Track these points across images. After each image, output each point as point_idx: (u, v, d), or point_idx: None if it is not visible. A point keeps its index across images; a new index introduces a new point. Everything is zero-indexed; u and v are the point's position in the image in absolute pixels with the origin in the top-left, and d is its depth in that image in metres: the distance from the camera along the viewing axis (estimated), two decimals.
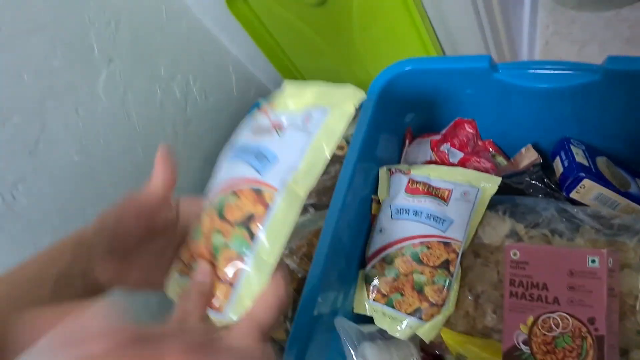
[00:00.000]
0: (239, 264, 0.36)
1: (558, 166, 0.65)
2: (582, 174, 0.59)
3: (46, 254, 0.39)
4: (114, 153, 0.92)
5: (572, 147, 0.64)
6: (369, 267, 0.66)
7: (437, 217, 0.64)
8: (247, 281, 0.36)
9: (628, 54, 0.75)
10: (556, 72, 0.59)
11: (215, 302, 0.37)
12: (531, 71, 0.60)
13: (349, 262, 0.67)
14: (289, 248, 1.02)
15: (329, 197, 0.63)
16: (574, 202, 0.62)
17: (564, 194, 0.62)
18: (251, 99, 1.27)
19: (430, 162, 0.73)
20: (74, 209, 0.86)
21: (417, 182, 0.68)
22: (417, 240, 0.63)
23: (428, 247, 0.62)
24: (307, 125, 0.41)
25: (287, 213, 0.36)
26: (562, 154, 0.64)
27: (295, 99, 0.44)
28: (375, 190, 0.72)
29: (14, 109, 0.73)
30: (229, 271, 0.37)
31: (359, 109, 0.67)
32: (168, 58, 1.00)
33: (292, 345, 0.55)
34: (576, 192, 0.61)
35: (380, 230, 0.67)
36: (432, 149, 0.73)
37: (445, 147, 0.72)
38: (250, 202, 0.38)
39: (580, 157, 0.62)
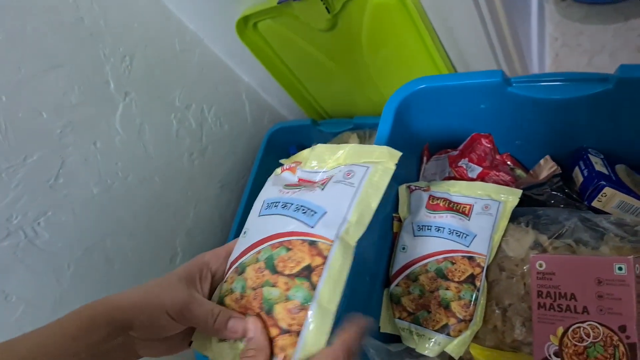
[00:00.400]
0: (303, 314, 0.38)
1: (578, 176, 0.65)
2: (603, 182, 0.59)
3: (76, 328, 0.38)
4: (132, 184, 0.94)
5: (590, 156, 0.64)
6: (393, 285, 0.66)
7: (460, 232, 0.64)
8: (314, 329, 0.37)
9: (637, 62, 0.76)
10: (569, 83, 0.60)
11: (279, 351, 0.38)
12: (544, 83, 0.61)
13: (374, 281, 0.67)
14: None
15: None
16: (596, 211, 0.62)
17: (586, 203, 0.62)
18: (265, 125, 1.29)
19: (449, 178, 0.74)
20: (94, 240, 0.87)
21: (437, 198, 0.68)
22: (441, 257, 0.63)
23: (452, 263, 0.62)
24: (350, 180, 0.45)
25: (342, 263, 0.40)
26: (581, 163, 0.64)
27: (329, 158, 0.49)
28: (395, 209, 0.72)
29: (34, 145, 0.75)
30: (293, 321, 0.38)
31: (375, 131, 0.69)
32: (182, 88, 1.02)
33: None
34: (598, 200, 0.61)
35: (403, 248, 0.67)
36: (451, 165, 0.74)
37: (463, 162, 0.73)
38: (306, 254, 0.40)
39: (599, 165, 0.62)
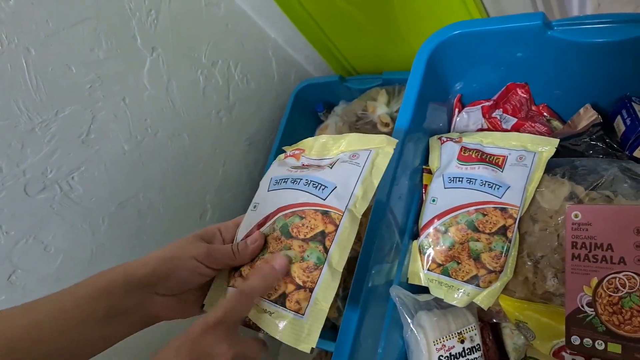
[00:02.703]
0: (317, 273, 0.45)
1: (619, 125, 0.62)
2: None
3: (94, 288, 0.41)
4: (161, 141, 0.94)
5: (634, 104, 0.60)
6: (422, 237, 0.65)
7: (492, 184, 0.62)
8: (324, 286, 0.45)
9: None
10: (615, 25, 0.56)
11: (295, 305, 0.44)
12: (588, 26, 0.58)
13: (402, 233, 0.66)
14: None
15: None
16: (638, 161, 0.59)
17: (627, 153, 0.60)
18: (292, 83, 1.27)
19: (482, 129, 0.72)
20: (127, 195, 0.89)
21: (469, 150, 0.67)
22: (472, 208, 0.62)
23: (484, 214, 0.61)
24: (356, 161, 0.52)
25: (350, 231, 0.47)
26: (624, 112, 0.61)
27: (333, 147, 0.57)
28: (425, 161, 0.71)
29: (65, 100, 0.76)
30: (307, 279, 0.45)
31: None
32: (208, 44, 1.01)
33: (349, 315, 0.56)
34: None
35: (433, 200, 0.66)
36: (484, 116, 0.71)
37: (497, 113, 0.70)
38: (319, 222, 0.48)
39: None
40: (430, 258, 0.64)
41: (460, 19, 0.88)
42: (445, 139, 0.70)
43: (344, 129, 1.11)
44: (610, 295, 0.49)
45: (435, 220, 0.64)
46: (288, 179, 0.53)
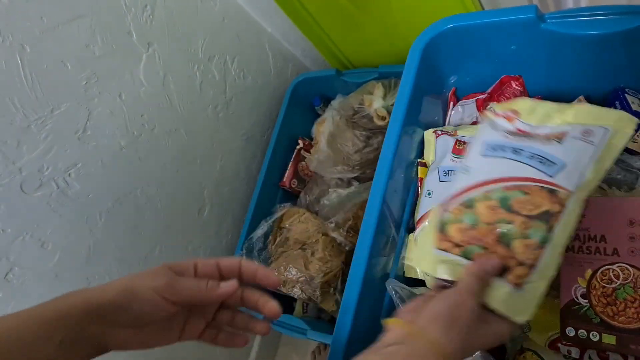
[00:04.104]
0: (539, 252, 0.44)
1: None
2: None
3: (53, 313, 0.39)
4: (158, 136, 0.95)
5: (627, 96, 0.61)
6: (418, 230, 0.66)
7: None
8: (545, 265, 0.44)
9: None
10: (608, 17, 0.56)
11: (515, 279, 0.45)
12: (581, 18, 0.57)
13: (397, 227, 0.66)
14: (334, 222, 1.03)
15: (373, 169, 0.63)
16: (632, 153, 0.59)
17: None
18: (289, 77, 1.27)
19: (477, 122, 0.72)
20: (124, 191, 0.89)
21: (464, 143, 0.67)
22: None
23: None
24: (590, 139, 0.48)
25: (573, 214, 0.46)
26: (617, 104, 0.61)
27: (558, 115, 0.52)
28: (420, 154, 0.71)
29: (61, 97, 0.76)
30: (530, 256, 0.44)
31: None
32: (204, 39, 1.01)
33: (346, 308, 0.56)
34: (633, 142, 0.58)
35: (429, 194, 0.66)
36: (479, 109, 0.71)
37: (491, 105, 0.70)
38: (546, 200, 0.46)
39: (636, 105, 0.59)
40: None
41: (456, 11, 0.88)
42: (440, 133, 0.70)
43: (341, 123, 1.11)
44: (604, 287, 0.50)
45: (429, 215, 0.65)
46: (507, 147, 0.51)
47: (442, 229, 0.52)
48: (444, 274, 0.51)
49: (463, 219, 0.50)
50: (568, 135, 0.50)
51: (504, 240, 0.46)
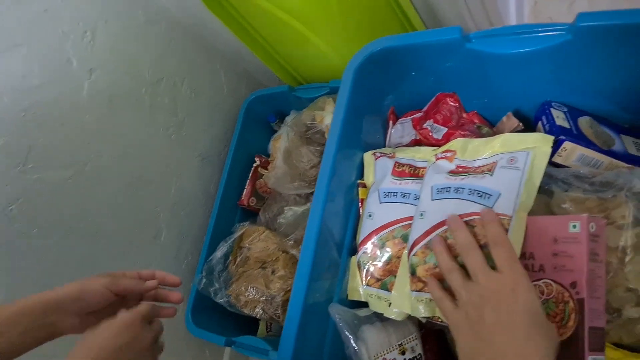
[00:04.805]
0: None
1: (540, 131, 0.63)
2: (562, 137, 0.58)
3: (19, 307, 0.52)
4: (107, 163, 0.93)
5: (552, 110, 0.62)
6: (360, 253, 0.66)
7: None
8: None
9: (618, 7, 0.73)
10: (527, 35, 0.57)
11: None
12: (503, 37, 0.59)
13: (340, 249, 0.67)
14: (293, 239, 1.03)
15: None
16: (558, 166, 0.60)
17: None
18: (243, 94, 1.26)
19: (416, 140, 0.72)
20: (73, 222, 0.87)
21: (402, 165, 0.67)
22: (406, 222, 0.63)
23: None
24: (515, 165, 0.55)
25: (519, 232, 0.51)
26: (544, 118, 0.63)
27: (486, 148, 0.60)
28: (361, 175, 0.72)
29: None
30: None
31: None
32: (151, 61, 1.00)
33: (287, 336, 0.56)
34: (558, 155, 0.59)
35: (370, 216, 0.67)
36: (415, 128, 0.72)
37: (428, 124, 0.71)
38: None
39: (561, 119, 0.60)
40: (369, 273, 0.64)
41: (398, 28, 0.89)
42: (379, 155, 0.70)
43: (296, 139, 1.11)
44: None
45: (373, 235, 0.65)
46: (450, 187, 0.58)
47: (412, 271, 0.59)
48: (423, 312, 0.57)
49: (427, 260, 0.57)
50: (497, 166, 0.56)
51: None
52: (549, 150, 0.54)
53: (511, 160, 0.55)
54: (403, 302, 0.60)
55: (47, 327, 0.53)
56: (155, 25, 1.01)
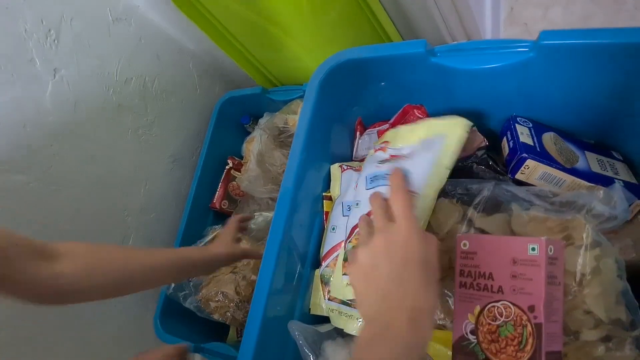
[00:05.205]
0: None
1: (505, 147, 0.63)
2: (525, 155, 0.57)
3: (173, 254, 0.67)
4: (70, 167, 0.90)
5: (517, 126, 0.61)
6: (323, 266, 0.65)
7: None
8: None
9: (592, 14, 0.72)
10: (492, 51, 0.57)
11: None
12: (468, 52, 0.58)
13: (304, 262, 0.65)
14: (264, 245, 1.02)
15: None
16: (521, 184, 0.60)
17: (510, 176, 0.61)
18: (217, 95, 1.24)
19: None
20: (34, 229, 0.85)
21: None
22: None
23: None
24: (431, 147, 0.58)
25: (425, 209, 0.56)
26: (508, 134, 0.62)
27: (413, 134, 0.62)
28: (327, 187, 0.70)
29: None
30: None
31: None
32: (119, 61, 0.98)
33: (245, 351, 0.55)
34: (521, 173, 0.59)
35: (333, 229, 0.66)
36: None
37: None
38: None
39: (525, 136, 0.60)
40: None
41: (372, 34, 0.88)
42: (345, 167, 0.69)
43: (269, 142, 1.09)
44: (489, 324, 0.50)
45: (335, 249, 0.64)
46: (379, 175, 0.60)
47: (345, 258, 0.60)
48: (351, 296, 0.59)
49: None
50: (417, 149, 0.60)
51: None
52: (463, 132, 0.57)
53: (428, 143, 0.58)
54: (338, 288, 0.62)
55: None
56: (124, 23, 0.98)
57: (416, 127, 0.62)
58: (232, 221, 0.87)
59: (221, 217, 1.18)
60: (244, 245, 0.95)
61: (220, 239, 0.81)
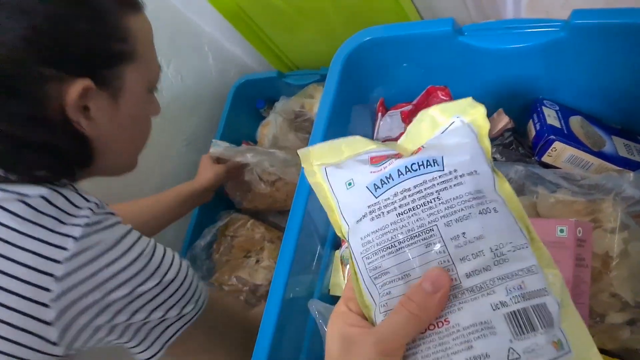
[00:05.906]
0: None
1: (531, 130, 0.62)
2: (553, 137, 0.57)
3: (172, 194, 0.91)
4: None
5: (544, 108, 0.61)
6: (343, 247, 0.65)
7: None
8: None
9: (614, 3, 0.71)
10: (521, 30, 0.56)
11: None
12: (496, 31, 0.57)
13: (323, 243, 0.65)
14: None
15: None
16: (547, 166, 0.59)
17: (536, 158, 0.60)
18: (232, 78, 1.23)
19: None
20: None
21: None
22: None
23: None
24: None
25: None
26: (535, 116, 0.61)
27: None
28: None
29: None
30: None
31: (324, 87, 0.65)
32: None
33: (265, 330, 0.55)
34: (548, 155, 0.58)
35: None
36: (404, 121, 0.70)
37: None
38: None
39: (552, 118, 0.59)
40: None
41: (392, 16, 0.87)
42: None
43: (284, 126, 1.09)
44: None
45: None
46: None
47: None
48: None
49: None
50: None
51: None
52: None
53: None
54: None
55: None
56: None
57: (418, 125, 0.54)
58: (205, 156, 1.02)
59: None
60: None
61: (201, 168, 0.98)
